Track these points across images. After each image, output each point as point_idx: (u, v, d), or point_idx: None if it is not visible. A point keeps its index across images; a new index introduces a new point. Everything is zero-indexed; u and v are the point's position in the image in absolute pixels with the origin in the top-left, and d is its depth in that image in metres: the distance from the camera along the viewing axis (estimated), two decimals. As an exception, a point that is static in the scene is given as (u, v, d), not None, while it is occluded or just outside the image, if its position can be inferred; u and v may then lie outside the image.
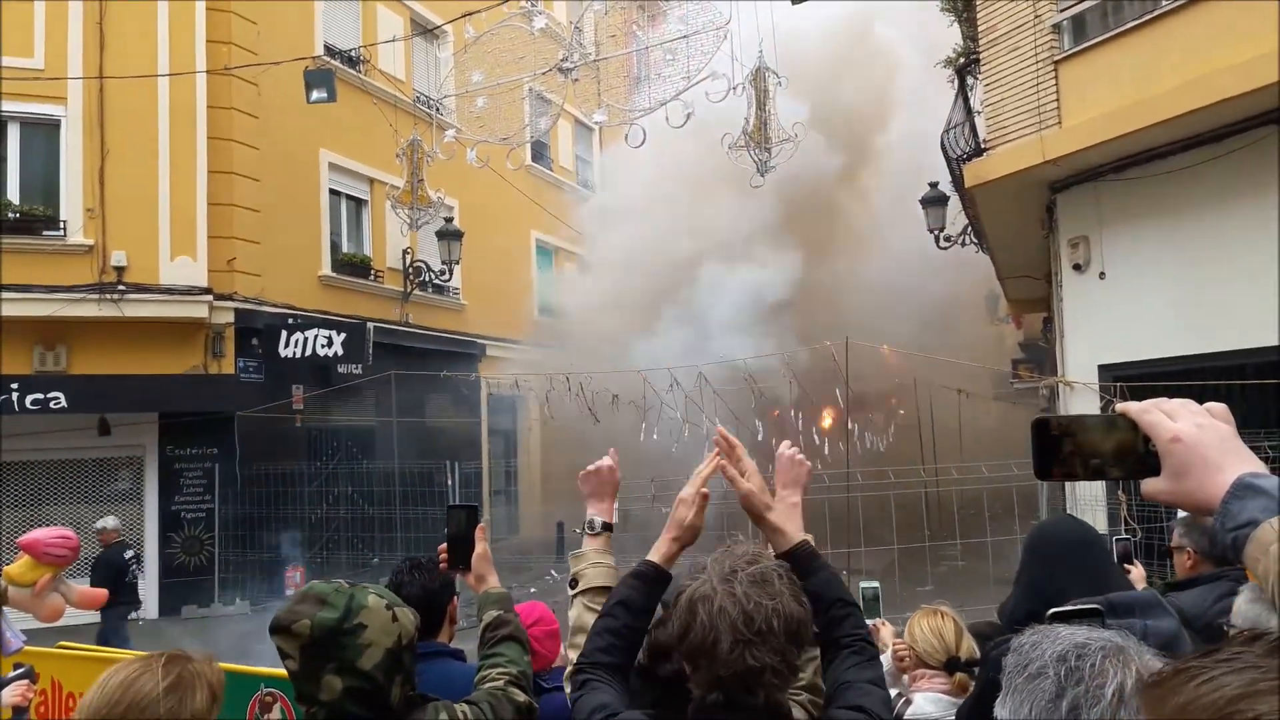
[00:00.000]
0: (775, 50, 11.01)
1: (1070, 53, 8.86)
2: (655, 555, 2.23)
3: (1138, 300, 8.88)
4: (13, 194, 12.97)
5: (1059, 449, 1.22)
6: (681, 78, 10.71)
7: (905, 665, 3.46)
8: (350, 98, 15.42)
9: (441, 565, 2.74)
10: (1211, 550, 3.44)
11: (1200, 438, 1.15)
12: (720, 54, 10.54)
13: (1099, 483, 9.09)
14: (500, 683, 2.34)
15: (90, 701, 1.76)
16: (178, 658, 1.86)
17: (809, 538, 2.47)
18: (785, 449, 2.49)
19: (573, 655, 2.31)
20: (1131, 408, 1.21)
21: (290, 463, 14.39)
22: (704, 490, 2.26)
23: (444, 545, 2.71)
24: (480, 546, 2.66)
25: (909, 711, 3.20)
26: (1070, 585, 2.18)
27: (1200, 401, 1.22)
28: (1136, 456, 1.20)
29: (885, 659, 3.77)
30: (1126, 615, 1.74)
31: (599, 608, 2.29)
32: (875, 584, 4.00)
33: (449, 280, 18.14)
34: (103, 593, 4.12)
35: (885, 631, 3.88)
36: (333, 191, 16.40)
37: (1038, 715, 1.29)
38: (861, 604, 3.90)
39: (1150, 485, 1.19)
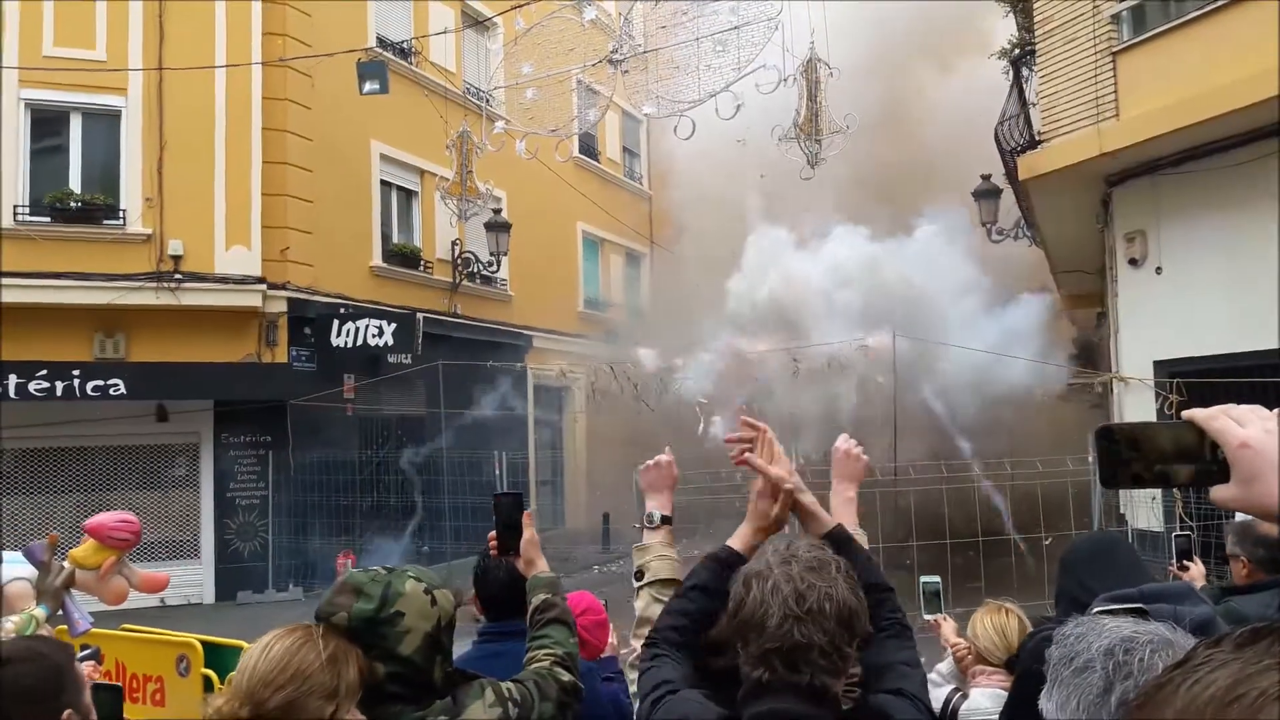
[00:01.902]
0: (828, 42, 10.94)
1: (1129, 44, 8.70)
2: (737, 542, 2.28)
3: (1195, 295, 8.72)
4: (74, 183, 13.27)
5: (1124, 456, 1.21)
6: (732, 69, 10.68)
7: (966, 664, 3.44)
8: (402, 89, 15.56)
9: (492, 552, 2.80)
10: (1273, 556, 3.41)
11: (1270, 443, 1.13)
12: (771, 45, 10.50)
13: (1155, 481, 8.93)
14: (546, 663, 2.38)
15: (253, 665, 1.80)
16: (332, 631, 1.91)
17: (863, 532, 2.49)
18: (842, 442, 2.55)
19: (637, 645, 2.36)
20: (1198, 414, 1.19)
21: (342, 451, 14.61)
22: (788, 485, 2.30)
23: (493, 533, 2.77)
24: (528, 532, 2.71)
25: (965, 706, 3.19)
26: (1100, 588, 2.19)
27: (1257, 400, 1.21)
28: (1203, 463, 1.18)
29: (949, 660, 3.76)
30: (1158, 602, 1.75)
31: (665, 599, 2.34)
32: (936, 579, 3.95)
33: (497, 271, 18.26)
34: (165, 576, 4.21)
35: (946, 627, 3.85)
36: (384, 183, 16.57)
37: (1086, 710, 1.29)
38: (922, 600, 3.88)
39: (1219, 492, 1.18)
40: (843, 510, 2.50)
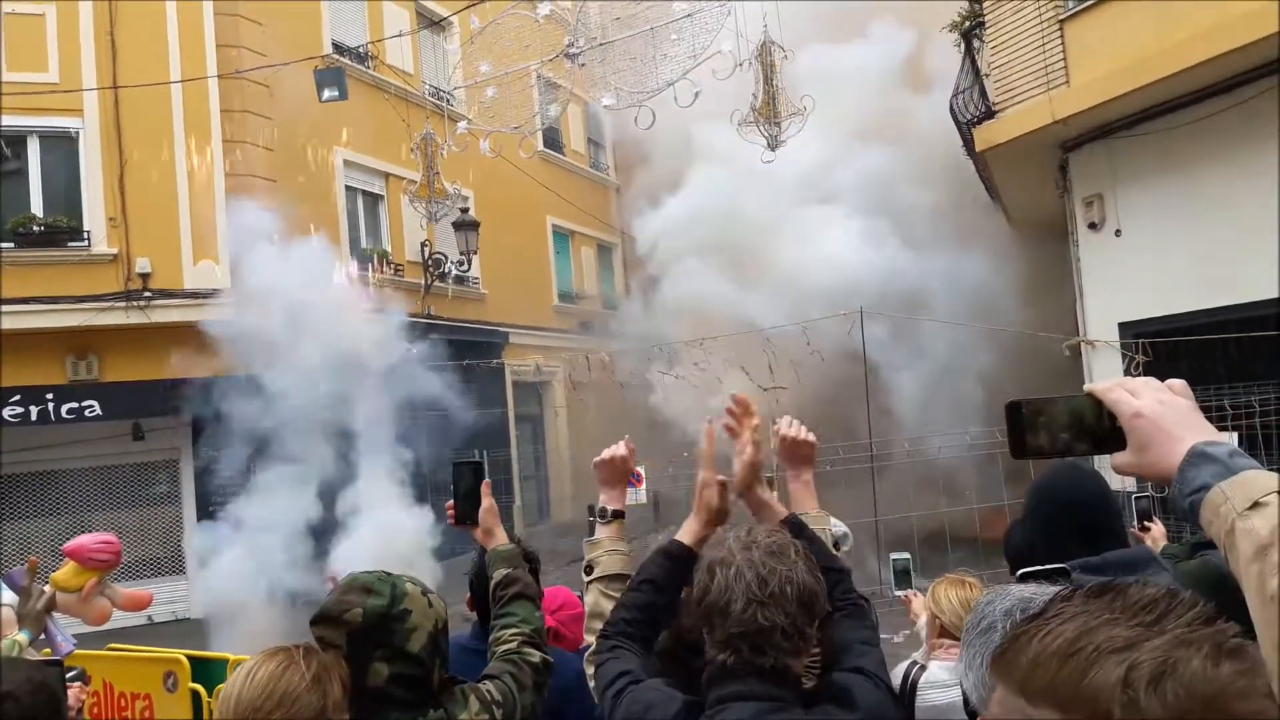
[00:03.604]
0: (780, 25, 10.98)
1: (1075, 11, 8.82)
2: (685, 536, 2.30)
3: (1155, 256, 8.85)
4: (36, 207, 13.16)
5: (1030, 428, 1.29)
6: (687, 57, 10.70)
7: (929, 632, 3.49)
8: (361, 94, 15.50)
9: (450, 521, 2.75)
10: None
11: (1161, 413, 1.22)
12: (725, 30, 10.53)
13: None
14: (514, 644, 2.37)
15: (237, 693, 1.77)
16: (312, 650, 1.89)
17: (824, 514, 2.56)
18: (785, 428, 2.52)
19: (589, 639, 2.38)
20: (1097, 387, 1.28)
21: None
22: (721, 478, 2.33)
23: (450, 502, 2.73)
24: (486, 501, 2.67)
25: (924, 678, 3.24)
26: (1068, 543, 2.22)
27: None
28: (1103, 433, 1.27)
29: (921, 626, 3.83)
30: (1124, 573, 1.80)
31: (614, 594, 2.37)
32: (905, 555, 4.01)
33: (468, 270, 18.24)
34: (148, 595, 4.25)
35: (916, 603, 3.89)
36: (348, 188, 16.52)
37: (987, 667, 1.37)
38: (892, 576, 3.94)
39: (1117, 459, 1.26)
40: (803, 495, 2.52)
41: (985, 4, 9.73)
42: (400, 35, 16.20)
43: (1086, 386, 1.30)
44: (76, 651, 3.82)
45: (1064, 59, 8.83)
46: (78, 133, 13.20)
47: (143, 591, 4.29)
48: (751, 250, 16.08)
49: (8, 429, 12.31)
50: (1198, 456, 1.17)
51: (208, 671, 4.83)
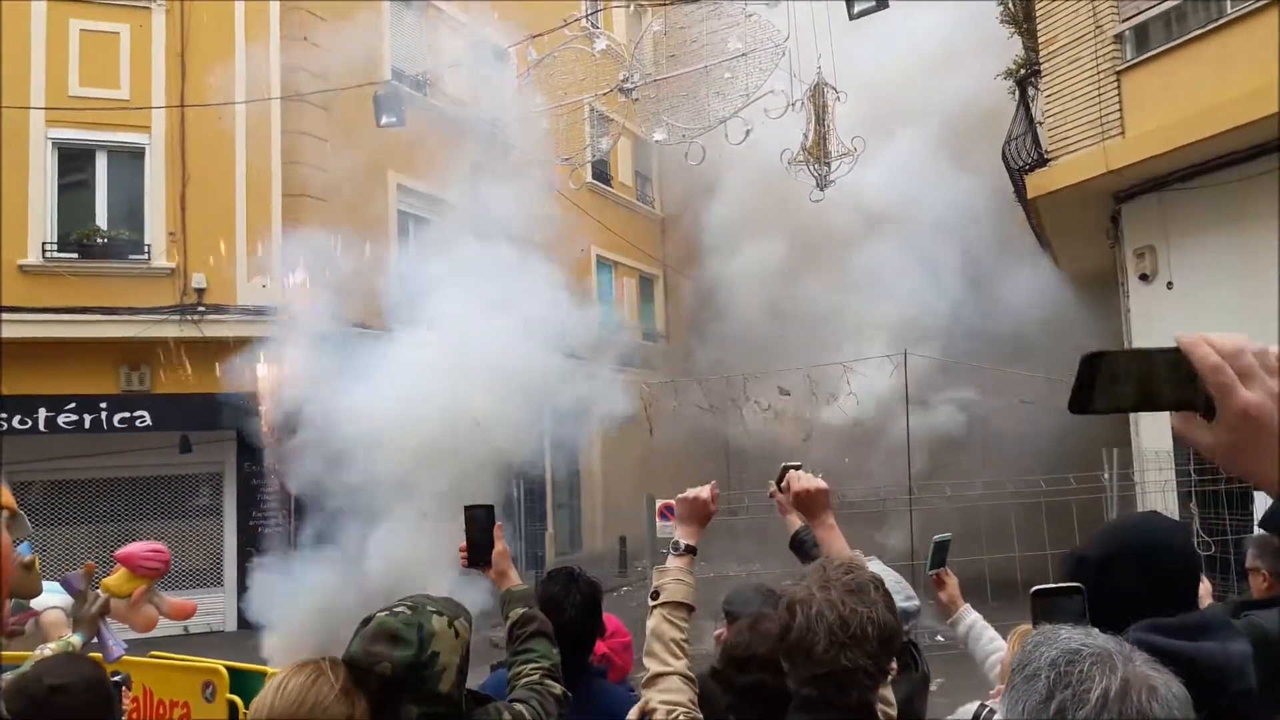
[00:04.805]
0: (834, 66, 11.07)
1: (1133, 62, 8.79)
2: None
3: (1206, 310, 8.74)
4: (101, 219, 13.54)
5: (1104, 384, 1.06)
6: (740, 95, 10.81)
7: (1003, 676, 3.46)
8: (417, 120, 15.76)
9: (461, 563, 2.79)
10: None
11: (1275, 414, 1.02)
12: (779, 70, 10.63)
13: (1172, 498, 8.97)
14: (535, 676, 2.42)
15: (270, 703, 1.82)
16: (339, 662, 1.93)
17: (858, 554, 2.59)
18: (795, 482, 2.66)
19: (648, 663, 2.44)
20: (1206, 361, 1.03)
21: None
22: None
23: (463, 544, 2.76)
24: (499, 545, 2.73)
25: None
26: (1149, 594, 2.04)
27: None
28: (1181, 394, 1.05)
29: (969, 617, 3.78)
30: (1198, 635, 1.74)
31: (677, 620, 2.46)
32: (948, 535, 3.92)
33: (514, 296, 18.38)
34: (193, 604, 4.33)
35: (951, 583, 3.85)
36: (401, 212, 16.77)
37: (1029, 714, 1.37)
38: (930, 553, 3.90)
39: (1198, 435, 1.06)
40: (831, 540, 2.60)
41: (1041, 53, 9.73)
42: (456, 66, 16.48)
43: (1183, 344, 1.05)
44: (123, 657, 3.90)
45: (1119, 109, 8.80)
46: (144, 148, 13.57)
47: (188, 601, 4.37)
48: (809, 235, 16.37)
49: (63, 435, 12.60)
50: None
51: (246, 683, 4.90)
